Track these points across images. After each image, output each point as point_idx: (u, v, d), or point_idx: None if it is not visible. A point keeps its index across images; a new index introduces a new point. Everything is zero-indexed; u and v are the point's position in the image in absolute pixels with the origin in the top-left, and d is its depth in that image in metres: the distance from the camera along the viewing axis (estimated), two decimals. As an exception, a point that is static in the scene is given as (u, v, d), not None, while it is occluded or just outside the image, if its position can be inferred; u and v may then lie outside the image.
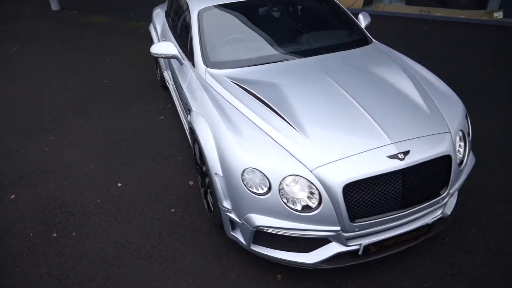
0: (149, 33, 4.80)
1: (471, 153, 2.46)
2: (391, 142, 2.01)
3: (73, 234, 2.65)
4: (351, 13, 3.55)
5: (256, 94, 2.38)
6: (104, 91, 4.73)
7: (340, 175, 1.91)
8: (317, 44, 2.99)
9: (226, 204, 2.20)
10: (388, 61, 2.78)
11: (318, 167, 1.94)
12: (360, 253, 2.10)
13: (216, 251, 2.47)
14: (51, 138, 3.81)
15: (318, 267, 2.13)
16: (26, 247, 2.56)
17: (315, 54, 2.85)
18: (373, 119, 2.15)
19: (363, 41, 3.11)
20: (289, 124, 2.15)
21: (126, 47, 6.29)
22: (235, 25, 3.06)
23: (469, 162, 2.41)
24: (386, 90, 2.42)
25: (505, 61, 5.09)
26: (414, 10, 7.49)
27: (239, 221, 2.16)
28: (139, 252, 2.48)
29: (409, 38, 6.20)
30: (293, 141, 2.05)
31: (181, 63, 3.05)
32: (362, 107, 2.24)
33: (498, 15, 6.74)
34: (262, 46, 2.92)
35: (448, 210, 2.38)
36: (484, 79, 4.64)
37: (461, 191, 2.85)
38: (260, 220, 2.05)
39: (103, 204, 2.91)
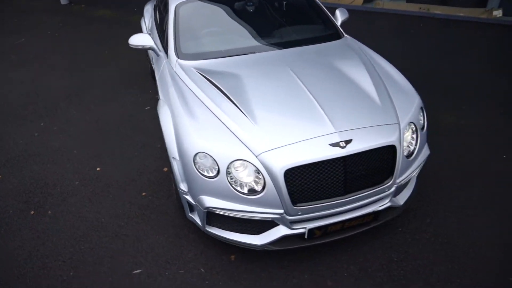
0: (140, 27, 4.96)
1: (425, 146, 2.53)
2: (335, 131, 2.11)
3: (49, 212, 2.83)
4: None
5: (216, 84, 2.51)
6: (98, 82, 4.92)
7: (282, 160, 2.02)
8: (287, 38, 3.09)
9: (183, 186, 2.34)
10: (352, 55, 2.86)
11: (263, 152, 2.06)
12: (306, 236, 2.21)
13: (177, 232, 2.61)
14: (42, 124, 4.01)
15: (266, 248, 2.25)
16: (4, 223, 2.75)
17: (284, 48, 2.95)
18: (323, 109, 2.25)
19: (334, 36, 3.19)
20: (242, 112, 2.27)
21: (126, 40, 6.47)
22: (209, 18, 3.19)
23: (422, 154, 2.48)
24: (341, 83, 2.51)
25: (498, 60, 5.07)
26: (413, 8, 7.47)
27: (194, 203, 2.29)
28: (106, 230, 2.65)
29: (404, 35, 6.21)
30: (243, 128, 2.17)
31: (157, 55, 3.20)
32: (314, 98, 2.34)
33: (498, 13, 6.68)
34: (233, 39, 3.04)
35: (401, 200, 2.47)
36: (472, 78, 4.65)
37: (420, 183, 2.92)
38: (210, 201, 2.18)
39: (81, 186, 3.09)
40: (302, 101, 2.32)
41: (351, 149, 2.07)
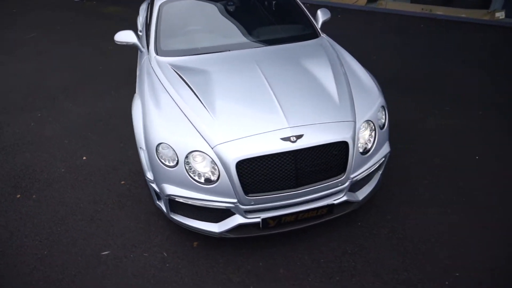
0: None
1: (386, 144, 2.60)
2: (287, 126, 2.22)
3: (34, 196, 3.04)
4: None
5: (185, 80, 2.65)
6: (97, 76, 5.14)
7: (234, 153, 2.14)
8: (263, 37, 3.20)
9: (149, 175, 2.49)
10: (322, 55, 2.95)
11: (218, 145, 2.19)
12: (260, 226, 2.33)
13: (148, 218, 2.77)
14: (39, 115, 4.25)
15: (224, 236, 2.38)
16: (-8, 204, 2.97)
17: (258, 46, 3.07)
18: (280, 105, 2.36)
19: (310, 35, 3.28)
20: (204, 106, 2.40)
21: (128, 37, 6.69)
22: (191, 17, 3.33)
23: (381, 152, 2.56)
24: (304, 81, 2.61)
25: (495, 62, 5.04)
26: (415, 8, 7.43)
27: (158, 191, 2.44)
28: (83, 215, 2.83)
29: (402, 35, 6.22)
30: (203, 121, 2.31)
31: (140, 51, 3.36)
32: (275, 94, 2.45)
33: (500, 15, 6.60)
34: (211, 37, 3.17)
35: (361, 195, 2.56)
36: (462, 79, 4.65)
37: (389, 180, 3.00)
38: (170, 189, 2.32)
39: (66, 173, 3.29)
40: (262, 98, 2.44)
41: (301, 144, 2.17)
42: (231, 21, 3.32)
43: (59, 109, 4.35)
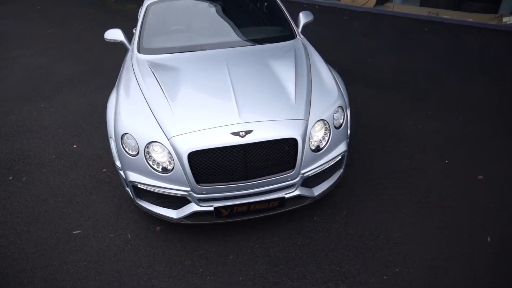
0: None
1: (343, 143, 2.70)
2: (239, 122, 2.37)
3: (24, 179, 3.33)
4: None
5: (156, 76, 2.84)
6: (103, 70, 5.45)
7: (187, 144, 2.32)
8: (240, 38, 3.35)
9: (118, 163, 2.70)
10: (291, 56, 3.07)
11: (173, 136, 2.37)
12: (214, 214, 2.50)
13: (121, 203, 2.99)
14: (42, 105, 4.58)
15: (181, 221, 2.56)
16: (-14, 184, 3.28)
17: (233, 46, 3.23)
18: (237, 102, 2.52)
19: (286, 37, 3.41)
20: (167, 101, 2.59)
21: (137, 34, 7.00)
22: (174, 18, 3.53)
23: (337, 150, 2.66)
24: (266, 81, 2.74)
25: (495, 67, 4.98)
26: (422, 12, 7.37)
27: (124, 178, 2.65)
28: (63, 197, 3.09)
29: (403, 38, 6.21)
30: (164, 115, 2.49)
31: (127, 49, 3.59)
32: (234, 92, 2.61)
33: (508, 20, 6.46)
34: (190, 37, 3.36)
35: (317, 191, 2.68)
36: (453, 83, 4.65)
37: (353, 179, 3.10)
38: (133, 176, 2.53)
39: (56, 159, 3.57)
40: (222, 95, 2.60)
41: (250, 139, 2.32)
42: (211, 22, 3.49)
43: (61, 100, 4.67)
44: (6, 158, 3.62)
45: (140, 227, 2.76)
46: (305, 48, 3.28)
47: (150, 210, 2.64)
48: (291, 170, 2.46)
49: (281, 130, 2.39)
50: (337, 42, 6.25)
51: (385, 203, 2.88)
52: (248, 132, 2.34)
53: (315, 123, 2.54)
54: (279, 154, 2.41)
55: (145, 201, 2.67)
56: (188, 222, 2.55)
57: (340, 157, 2.70)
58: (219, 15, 3.56)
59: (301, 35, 3.57)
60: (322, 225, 2.71)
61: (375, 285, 2.27)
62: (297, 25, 3.74)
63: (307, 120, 2.50)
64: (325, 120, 2.58)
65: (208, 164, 2.35)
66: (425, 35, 6.27)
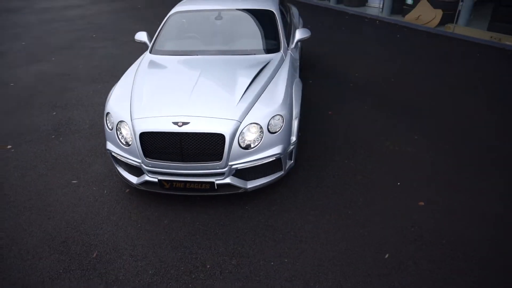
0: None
1: (278, 147, 3.09)
2: (182, 114, 2.97)
3: (60, 138, 4.40)
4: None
5: (147, 71, 3.59)
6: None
7: (140, 126, 3.00)
8: (231, 48, 3.91)
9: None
10: (259, 66, 3.52)
11: (135, 119, 3.07)
12: (158, 185, 3.14)
13: (112, 169, 3.82)
14: (99, 87, 5.75)
15: (138, 187, 3.27)
16: (34, 138, 4.43)
17: (221, 54, 3.81)
18: (190, 99, 3.11)
19: (271, 50, 3.86)
20: (143, 91, 3.30)
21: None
22: (187, 27, 4.25)
23: (269, 152, 3.06)
24: (224, 85, 3.27)
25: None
26: (484, 36, 6.90)
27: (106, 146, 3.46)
28: (78, 156, 4.04)
29: (449, 62, 6.02)
30: (136, 102, 3.21)
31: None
32: (193, 91, 3.20)
33: None
34: (193, 44, 4.04)
35: (250, 185, 3.14)
36: (467, 112, 4.52)
37: (295, 183, 3.45)
38: (109, 146, 3.31)
39: (88, 128, 4.59)
40: (184, 92, 3.22)
41: (185, 129, 2.90)
42: (215, 33, 4.13)
43: (91, 48, 5.80)
44: (56, 122, 4.77)
45: (115, 188, 3.54)
46: (281, 62, 3.69)
47: (121, 174, 3.39)
48: (219, 160, 2.97)
49: (213, 126, 2.92)
50: (376, 58, 6.34)
51: (316, 207, 3.17)
52: (185, 123, 2.93)
53: (248, 125, 3.00)
54: (208, 145, 2.94)
55: (120, 167, 3.44)
56: (142, 188, 3.24)
57: (273, 159, 3.10)
58: (223, 27, 4.17)
59: (289, 49, 3.98)
60: (249, 214, 3.15)
61: (261, 267, 2.65)
62: (293, 40, 4.16)
63: (240, 122, 2.98)
64: (259, 124, 3.02)
65: (153, 143, 3.00)
66: (475, 60, 5.96)
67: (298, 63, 4.04)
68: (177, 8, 4.48)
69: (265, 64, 3.61)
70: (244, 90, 3.21)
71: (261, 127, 3.03)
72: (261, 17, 4.22)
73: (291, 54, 3.96)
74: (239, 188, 3.12)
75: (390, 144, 3.99)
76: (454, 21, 7.49)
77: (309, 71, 6.08)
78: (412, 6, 8.44)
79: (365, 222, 3.00)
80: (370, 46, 7.14)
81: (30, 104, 5.31)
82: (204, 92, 3.20)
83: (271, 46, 3.93)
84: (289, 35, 4.38)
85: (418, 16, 8.18)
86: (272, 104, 3.15)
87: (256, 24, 4.18)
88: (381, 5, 9.25)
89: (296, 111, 3.30)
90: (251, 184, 3.16)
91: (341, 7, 10.13)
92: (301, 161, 3.80)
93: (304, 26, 8.55)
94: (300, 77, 4.70)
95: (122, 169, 3.39)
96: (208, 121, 2.95)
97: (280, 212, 3.16)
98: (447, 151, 3.84)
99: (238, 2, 4.47)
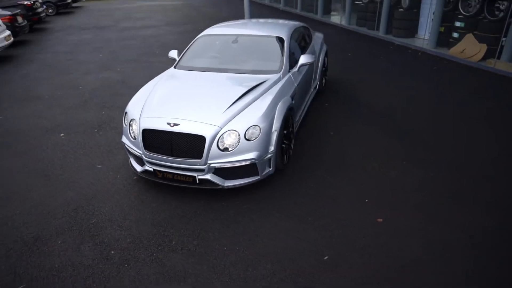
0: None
1: (253, 153, 3.56)
2: (176, 117, 3.61)
3: (100, 133, 5.33)
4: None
5: (164, 81, 4.33)
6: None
7: (144, 124, 3.70)
8: (240, 67, 4.51)
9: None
10: (253, 83, 4.05)
11: (141, 118, 3.79)
12: (154, 174, 3.80)
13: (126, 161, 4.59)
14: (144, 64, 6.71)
15: (141, 175, 3.96)
16: (79, 132, 5.42)
17: (230, 72, 4.42)
18: (188, 106, 3.76)
19: (272, 71, 4.37)
20: (155, 97, 4.02)
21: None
22: (209, 48, 4.97)
23: (244, 156, 3.54)
24: (220, 97, 3.86)
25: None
26: (524, 73, 6.61)
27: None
28: (109, 147, 4.90)
29: (475, 95, 5.97)
30: (147, 105, 3.94)
31: (177, 64, 5.23)
32: (194, 99, 3.86)
33: None
34: (210, 62, 4.72)
35: (227, 183, 3.66)
36: (469, 146, 4.55)
37: (270, 186, 3.87)
38: (123, 139, 4.06)
39: (123, 127, 5.48)
40: (187, 100, 3.88)
41: (175, 129, 3.53)
42: (230, 55, 4.78)
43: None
44: (101, 120, 5.76)
45: (126, 175, 4.28)
46: (276, 82, 4.19)
47: (131, 163, 4.12)
48: (200, 158, 3.54)
49: (197, 128, 3.51)
50: (401, 88, 6.49)
51: (282, 211, 3.55)
52: (176, 124, 3.56)
53: (228, 131, 3.53)
54: (192, 144, 3.53)
55: (131, 157, 4.17)
56: (144, 176, 3.93)
57: (248, 163, 3.58)
58: (237, 50, 4.82)
59: (290, 72, 4.47)
60: (223, 208, 3.63)
61: (214, 250, 3.11)
62: (296, 63, 4.63)
63: (220, 127, 3.53)
64: (237, 131, 3.54)
65: (151, 139, 3.67)
66: (509, 97, 5.83)
67: (296, 84, 4.47)
68: (205, 32, 5.24)
69: (260, 82, 4.13)
70: (232, 102, 3.76)
71: (239, 134, 3.54)
72: (271, 42, 4.78)
73: (290, 76, 4.43)
74: (218, 185, 3.64)
75: (376, 166, 4.20)
76: (496, 56, 7.27)
77: (330, 95, 6.43)
78: (458, 40, 8.32)
79: (320, 228, 3.31)
80: (401, 76, 7.25)
81: (88, 103, 6.43)
82: (199, 101, 3.83)
83: (272, 67, 4.45)
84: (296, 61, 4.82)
85: (463, 50, 8.05)
86: (252, 116, 3.66)
87: (265, 48, 4.74)
88: (428, 37, 9.22)
89: (276, 125, 3.75)
90: (229, 183, 3.66)
91: (389, 37, 10.26)
92: (288, 170, 4.19)
93: (344, 54, 8.90)
94: (314, 99, 5.15)
95: (132, 159, 4.12)
96: (194, 124, 3.55)
97: (250, 210, 3.59)
98: (431, 180, 3.94)
99: (256, 29, 5.10)
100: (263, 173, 3.77)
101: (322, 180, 4.01)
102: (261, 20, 5.94)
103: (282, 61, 4.53)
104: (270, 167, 3.83)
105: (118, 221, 3.51)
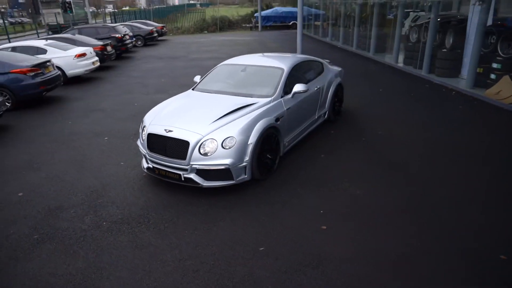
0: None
1: (228, 159, 4.28)
2: (172, 126, 4.52)
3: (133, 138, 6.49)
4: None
5: (179, 98, 5.33)
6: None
7: (149, 129, 4.68)
8: (240, 90, 5.32)
9: (144, 136, 5.33)
10: (243, 103, 4.81)
11: (149, 125, 4.78)
12: (152, 170, 4.71)
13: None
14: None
15: (146, 171, 4.91)
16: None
17: (230, 95, 5.26)
18: (183, 117, 4.66)
19: (267, 96, 5.09)
20: (166, 109, 5.01)
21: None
22: (225, 74, 5.90)
23: (221, 161, 4.27)
24: (209, 111, 4.70)
25: None
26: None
27: (141, 143, 5.25)
28: (133, 139, 5.99)
29: (491, 136, 5.98)
30: (157, 115, 4.93)
31: (197, 87, 6.21)
32: (194, 113, 4.76)
33: None
34: (221, 86, 5.62)
35: (206, 183, 4.42)
36: (454, 184, 4.71)
37: (242, 191, 4.51)
38: (138, 142, 5.09)
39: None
40: (189, 114, 4.81)
41: (169, 134, 4.43)
42: (237, 80, 5.64)
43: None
44: (138, 129, 6.96)
45: (139, 171, 5.25)
46: (265, 105, 4.90)
47: (142, 162, 5.10)
48: (184, 159, 4.36)
49: (184, 135, 4.37)
50: (416, 125, 6.70)
51: (244, 213, 4.16)
52: (170, 131, 4.47)
53: (208, 140, 4.32)
54: (178, 148, 4.38)
55: (143, 157, 5.16)
56: (148, 172, 4.87)
57: (223, 167, 4.30)
58: (243, 77, 5.68)
59: (282, 98, 5.15)
60: (199, 203, 4.35)
61: (179, 232, 3.84)
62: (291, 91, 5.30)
63: (203, 136, 4.34)
64: (216, 140, 4.31)
65: (153, 141, 4.62)
66: None
67: (286, 109, 5.10)
68: (223, 62, 6.21)
69: (251, 104, 4.88)
70: (219, 117, 4.57)
71: (217, 143, 4.31)
72: (272, 72, 5.53)
73: (281, 101, 5.10)
74: (198, 183, 4.41)
75: (347, 186, 4.59)
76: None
77: (340, 124, 6.86)
78: (495, 81, 8.15)
79: (266, 227, 3.85)
80: (423, 113, 7.38)
81: (135, 117, 7.74)
82: (194, 114, 4.73)
83: (266, 92, 5.18)
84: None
85: (499, 91, 7.87)
86: (232, 129, 4.41)
87: (265, 77, 5.52)
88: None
89: (252, 139, 4.43)
90: (207, 183, 4.41)
91: (431, 76, 10.26)
92: (267, 181, 4.77)
93: (374, 89, 9.23)
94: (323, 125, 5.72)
95: (143, 159, 5.11)
96: (183, 131, 4.42)
97: (221, 207, 4.26)
98: (391, 203, 4.23)
99: (265, 61, 5.93)
100: (238, 179, 4.44)
101: (292, 191, 4.54)
102: (276, 54, 6.76)
103: (276, 88, 5.24)
104: (245, 175, 4.49)
105: (117, 203, 4.44)
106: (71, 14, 29.68)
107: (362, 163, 5.24)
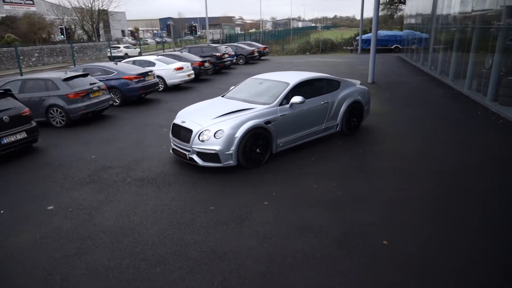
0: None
1: (218, 146, 5.72)
2: (186, 118, 6.18)
3: (165, 130, 8.39)
4: None
5: (206, 101, 7.01)
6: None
7: (174, 121, 6.43)
8: (250, 98, 6.69)
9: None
10: (244, 107, 6.19)
11: (176, 117, 6.53)
12: (173, 151, 6.43)
13: (181, 147, 7.36)
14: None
15: (171, 151, 6.66)
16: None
17: (240, 101, 6.69)
18: (197, 113, 6.28)
19: (267, 103, 6.36)
20: (194, 108, 6.72)
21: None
22: (246, 85, 7.37)
23: (212, 147, 5.73)
24: (217, 111, 6.21)
25: None
26: None
27: (175, 132, 7.05)
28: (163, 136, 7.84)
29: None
30: (186, 111, 6.67)
31: (231, 95, 7.75)
32: (202, 111, 6.35)
33: None
34: (239, 94, 7.10)
35: (202, 163, 5.94)
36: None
37: (232, 176, 5.86)
38: (170, 131, 6.90)
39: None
40: (200, 111, 6.42)
41: (183, 124, 6.13)
42: (252, 90, 7.06)
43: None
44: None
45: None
46: (262, 110, 6.19)
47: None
48: (189, 143, 5.95)
49: (191, 125, 6.01)
50: (434, 146, 7.04)
51: (219, 193, 5.51)
52: (184, 122, 6.14)
53: (206, 130, 5.84)
54: (187, 134, 6.01)
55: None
56: (172, 152, 6.62)
57: (213, 152, 5.75)
58: (258, 88, 7.06)
59: (280, 106, 6.34)
60: (198, 177, 5.85)
61: (171, 196, 5.40)
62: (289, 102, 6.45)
63: (203, 127, 5.88)
64: (210, 131, 5.80)
65: (174, 129, 6.36)
66: None
67: (280, 115, 6.27)
68: (252, 76, 7.68)
69: (250, 108, 6.23)
70: (220, 115, 6.06)
71: (211, 133, 5.79)
72: (279, 85, 6.76)
73: (277, 109, 6.30)
74: (197, 162, 5.94)
75: (310, 182, 5.53)
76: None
77: (353, 137, 7.55)
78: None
79: (226, 200, 5.12)
80: (446, 135, 7.48)
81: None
82: (205, 112, 6.33)
83: (267, 101, 6.45)
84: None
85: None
86: (224, 124, 5.85)
87: (273, 88, 6.77)
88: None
89: (239, 134, 5.76)
90: (203, 163, 5.92)
91: (492, 104, 9.77)
92: (252, 170, 6.00)
93: (417, 111, 9.42)
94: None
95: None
96: (191, 123, 6.04)
97: (205, 180, 5.70)
98: (337, 196, 5.04)
99: (279, 76, 7.20)
100: (225, 163, 5.82)
101: (264, 177, 5.69)
102: (298, 72, 7.89)
103: (276, 98, 6.46)
104: (232, 161, 5.83)
105: (144, 171, 6.26)
106: (195, 35, 35.37)
107: (353, 173, 6.00)
